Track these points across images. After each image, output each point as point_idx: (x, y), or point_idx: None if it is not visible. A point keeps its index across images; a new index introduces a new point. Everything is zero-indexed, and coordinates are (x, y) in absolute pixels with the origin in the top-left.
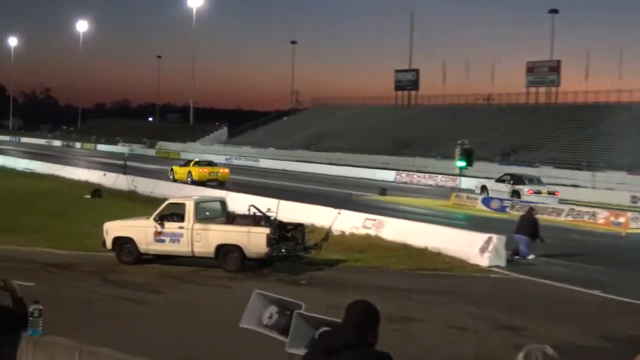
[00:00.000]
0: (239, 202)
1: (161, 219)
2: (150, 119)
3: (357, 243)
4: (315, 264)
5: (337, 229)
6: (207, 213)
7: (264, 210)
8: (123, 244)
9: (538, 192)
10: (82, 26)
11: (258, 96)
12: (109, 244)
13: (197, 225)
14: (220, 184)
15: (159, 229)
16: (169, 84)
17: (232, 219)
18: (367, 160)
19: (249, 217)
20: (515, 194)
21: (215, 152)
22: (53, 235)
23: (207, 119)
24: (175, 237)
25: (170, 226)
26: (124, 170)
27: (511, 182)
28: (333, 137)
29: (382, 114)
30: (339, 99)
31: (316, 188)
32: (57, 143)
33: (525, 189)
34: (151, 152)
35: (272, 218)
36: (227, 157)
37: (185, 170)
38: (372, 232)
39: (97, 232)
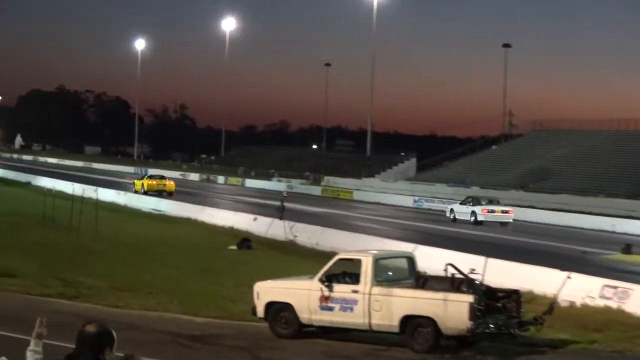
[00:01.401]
0: (432, 259)
1: (329, 279)
2: (315, 146)
3: (593, 318)
4: (535, 346)
5: (564, 298)
6: (390, 273)
7: (465, 271)
8: (279, 311)
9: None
10: (228, 25)
11: (457, 118)
12: (260, 311)
13: (377, 290)
14: (169, 194)
15: (326, 293)
16: (339, 102)
17: (422, 281)
18: (606, 206)
19: (446, 280)
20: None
21: (399, 190)
22: (188, 298)
23: (390, 147)
24: (347, 305)
25: (341, 289)
26: (281, 213)
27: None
28: (558, 174)
29: (627, 144)
30: (566, 122)
31: (536, 242)
32: (194, 176)
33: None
34: (316, 189)
35: (477, 282)
36: (416, 198)
37: (140, 182)
38: (613, 304)
39: (245, 294)
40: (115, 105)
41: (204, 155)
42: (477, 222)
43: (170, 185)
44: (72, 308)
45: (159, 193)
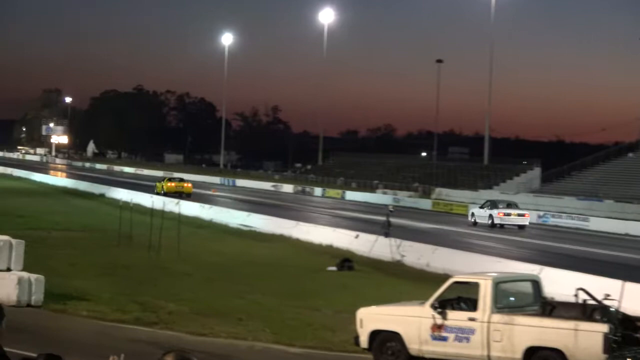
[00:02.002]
0: (560, 283)
1: (442, 305)
2: (425, 154)
3: None
4: None
5: None
6: (512, 299)
7: (599, 297)
8: (385, 341)
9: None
10: (326, 17)
11: (587, 122)
12: (364, 341)
13: (497, 317)
14: (187, 196)
15: (439, 321)
16: (453, 104)
17: (549, 308)
18: None
19: (576, 307)
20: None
21: (522, 203)
22: (281, 325)
23: (510, 155)
24: (463, 334)
25: (456, 317)
26: (386, 230)
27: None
28: None
29: None
30: None
31: None
32: (287, 188)
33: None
34: (425, 203)
35: (612, 309)
36: (540, 213)
37: (161, 184)
38: None
39: (345, 322)
40: (200, 108)
41: (298, 164)
42: (493, 225)
43: (188, 187)
44: (151, 336)
45: (179, 195)
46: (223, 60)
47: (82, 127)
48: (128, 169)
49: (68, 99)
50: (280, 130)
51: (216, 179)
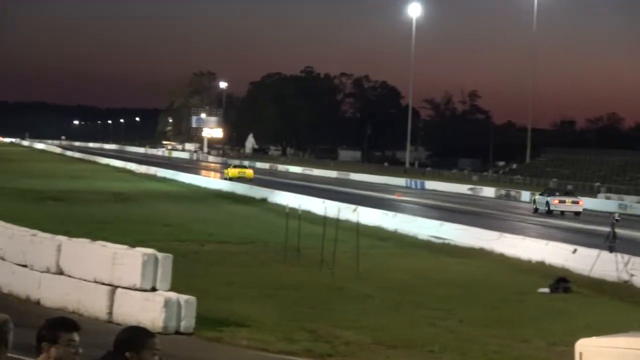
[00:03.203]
0: None
1: None
2: None
3: None
4: None
5: None
6: None
7: None
8: None
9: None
10: None
11: None
12: None
13: None
14: (249, 180)
15: None
16: None
17: None
18: None
19: None
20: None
21: None
22: (482, 359)
23: None
24: None
25: None
26: (612, 243)
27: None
28: None
29: None
30: None
31: None
32: (488, 191)
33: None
34: None
35: None
36: None
37: (227, 171)
38: None
39: (561, 356)
40: (381, 94)
41: (501, 163)
42: (549, 212)
43: (249, 172)
44: None
45: (241, 180)
46: (409, 36)
47: (239, 117)
48: (294, 169)
49: (223, 84)
50: (479, 121)
51: (400, 181)
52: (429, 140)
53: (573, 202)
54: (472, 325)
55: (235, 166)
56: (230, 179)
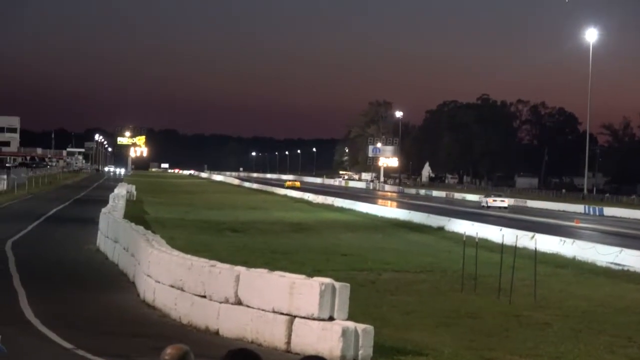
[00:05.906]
0: None
1: None
2: None
3: None
4: None
5: None
6: None
7: None
8: None
9: None
10: None
11: None
12: None
13: None
14: (298, 189)
15: None
16: None
17: None
18: None
19: None
20: None
21: None
22: None
23: None
24: None
25: None
26: None
27: None
28: None
29: None
30: None
31: None
32: None
33: None
34: None
35: None
36: None
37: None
38: None
39: None
40: (558, 120)
41: None
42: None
43: (297, 184)
44: None
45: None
46: (584, 61)
47: (415, 146)
48: (471, 197)
49: (399, 113)
50: None
51: (579, 207)
52: (607, 166)
53: (501, 201)
54: None
55: (289, 180)
56: (287, 188)
